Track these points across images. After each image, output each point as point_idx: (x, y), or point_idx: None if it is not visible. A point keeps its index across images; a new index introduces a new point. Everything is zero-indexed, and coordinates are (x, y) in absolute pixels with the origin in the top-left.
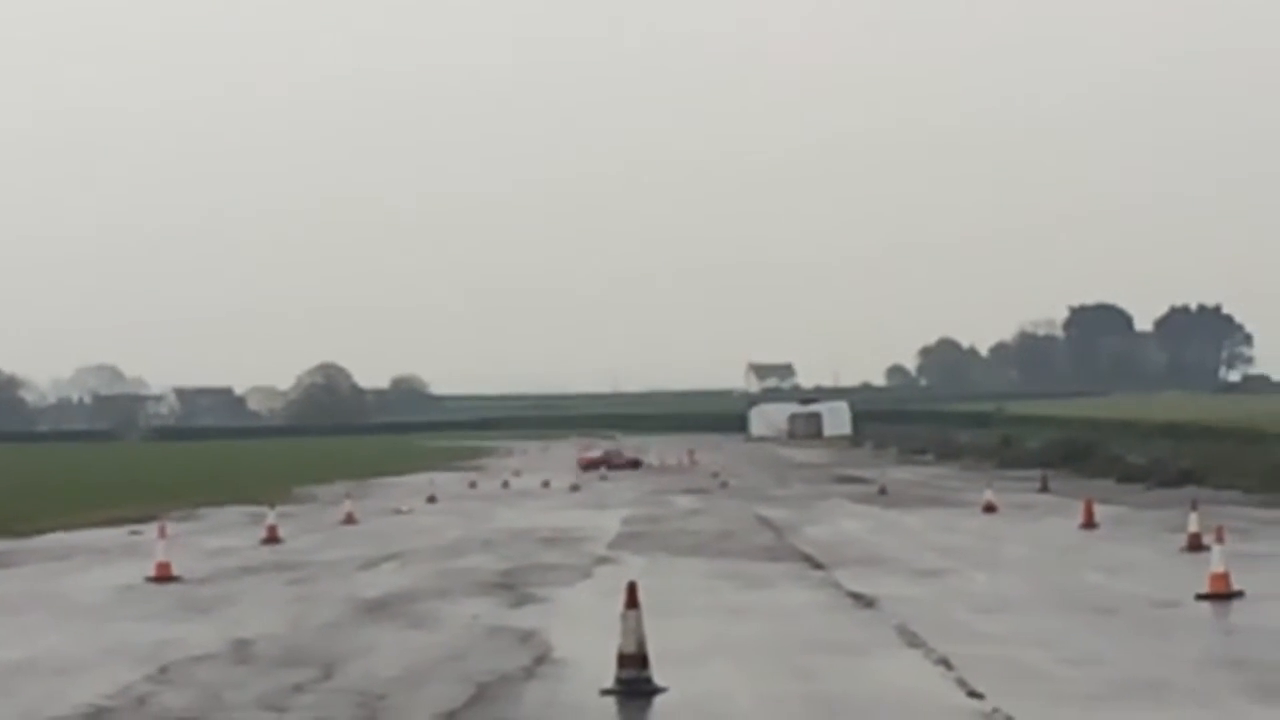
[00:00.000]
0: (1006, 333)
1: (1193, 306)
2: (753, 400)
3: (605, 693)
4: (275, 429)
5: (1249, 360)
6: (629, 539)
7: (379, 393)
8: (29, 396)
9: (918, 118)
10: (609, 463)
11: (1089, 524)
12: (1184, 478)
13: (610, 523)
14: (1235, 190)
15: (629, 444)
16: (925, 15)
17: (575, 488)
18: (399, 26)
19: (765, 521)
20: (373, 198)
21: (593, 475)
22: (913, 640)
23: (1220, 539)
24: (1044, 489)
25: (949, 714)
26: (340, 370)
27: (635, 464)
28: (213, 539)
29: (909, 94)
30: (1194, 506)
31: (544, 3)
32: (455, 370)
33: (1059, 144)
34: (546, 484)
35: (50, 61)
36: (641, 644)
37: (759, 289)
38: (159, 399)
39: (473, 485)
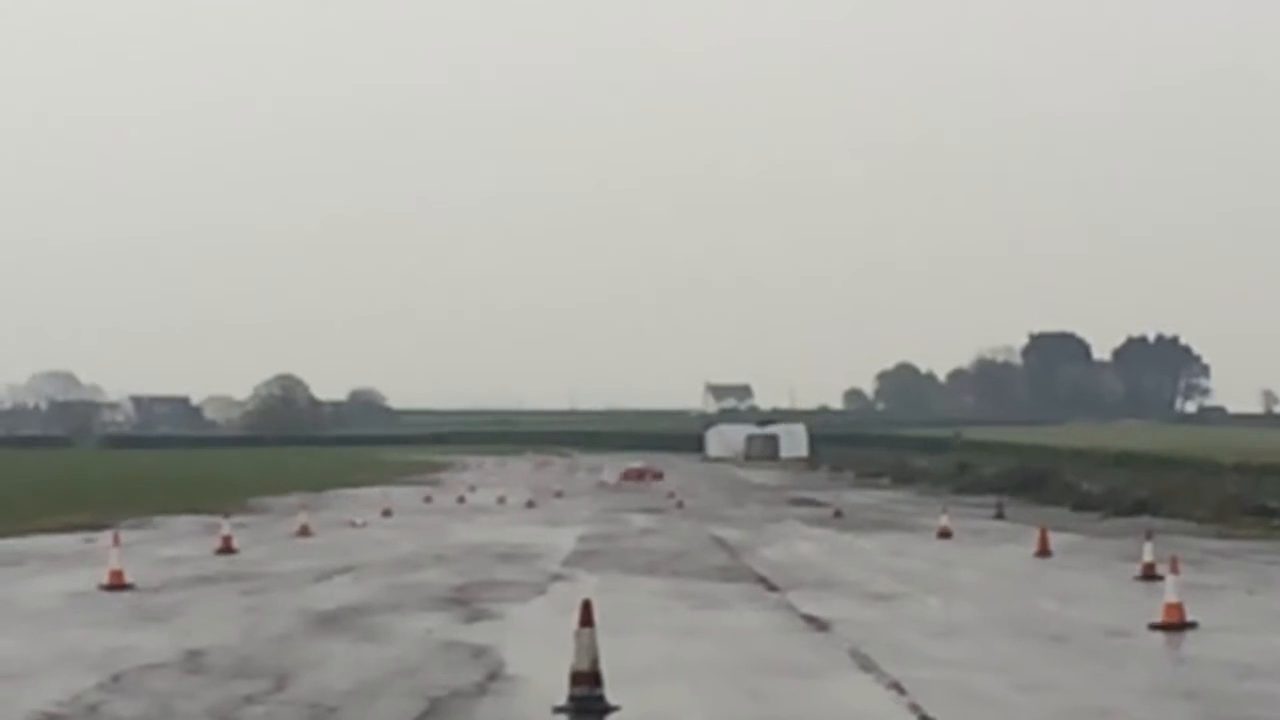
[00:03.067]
0: (965, 359)
1: (1150, 337)
2: (710, 421)
3: (558, 710)
4: (231, 439)
5: (1205, 392)
6: (584, 557)
7: (336, 405)
8: None
9: (879, 144)
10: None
11: (1043, 551)
12: (1139, 507)
13: (565, 540)
14: (1195, 222)
15: (585, 462)
16: (885, 42)
17: (531, 504)
18: (363, 42)
19: (720, 542)
20: (333, 211)
21: (558, 491)
22: (866, 664)
23: (1175, 569)
24: (999, 515)
25: None
26: (298, 382)
27: (659, 476)
28: (167, 548)
29: (870, 119)
30: (1149, 536)
31: (519, 23)
32: (413, 384)
33: (1021, 172)
34: (502, 500)
35: (12, 67)
36: (595, 662)
37: (718, 310)
38: (115, 406)
39: (428, 500)
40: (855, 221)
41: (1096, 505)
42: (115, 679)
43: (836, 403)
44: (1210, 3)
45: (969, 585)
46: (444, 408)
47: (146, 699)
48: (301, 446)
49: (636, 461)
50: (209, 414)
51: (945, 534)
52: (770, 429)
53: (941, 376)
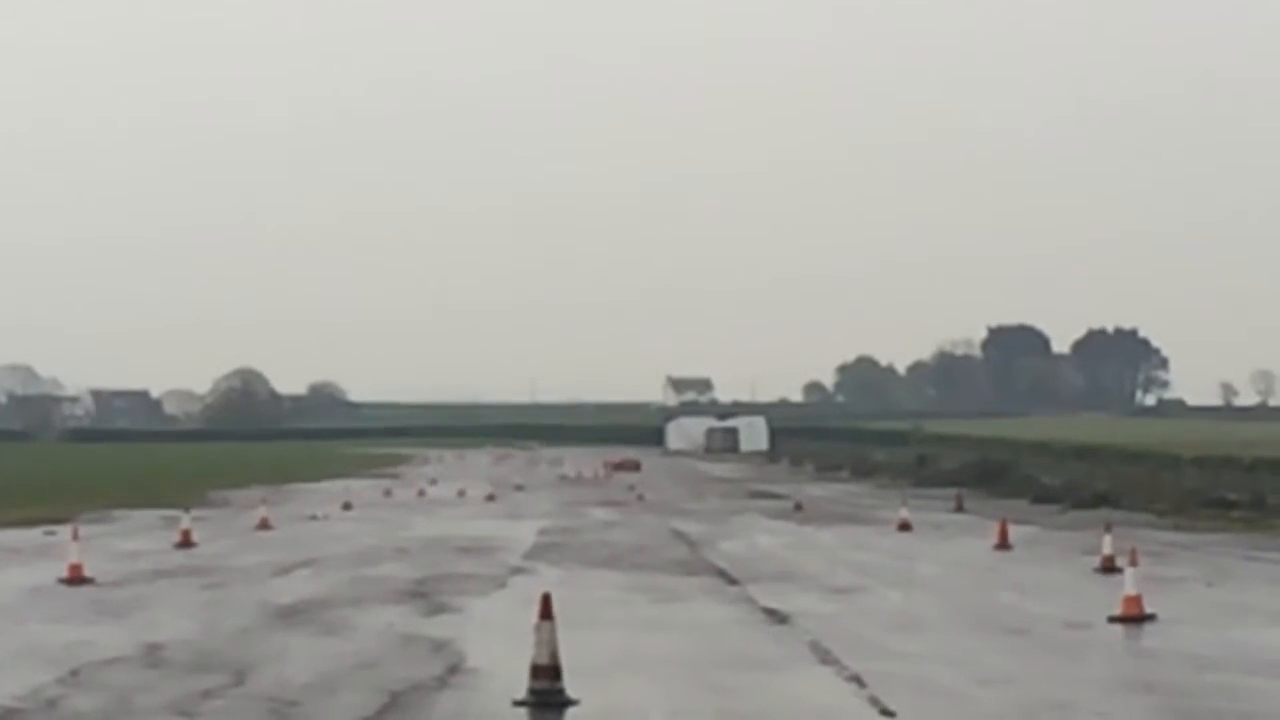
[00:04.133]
0: (925, 352)
1: (1110, 329)
2: (670, 414)
3: (518, 704)
4: (191, 433)
5: (1164, 384)
6: (544, 550)
7: (296, 398)
8: None
9: (840, 141)
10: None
11: (1003, 544)
12: (1098, 500)
13: (526, 533)
14: (1153, 215)
15: (546, 455)
16: (850, 42)
17: (491, 497)
18: (325, 44)
19: (680, 535)
20: (293, 205)
21: (519, 484)
22: (825, 657)
23: (1134, 562)
24: (959, 508)
25: None
26: (257, 375)
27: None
28: (126, 542)
29: (831, 118)
30: (1108, 529)
31: (492, 26)
32: (373, 377)
33: (981, 166)
34: (462, 493)
35: None
36: (555, 655)
37: (679, 303)
38: (75, 400)
39: (388, 493)
40: (815, 216)
41: (1056, 498)
42: (74, 673)
43: (796, 396)
44: (1169, 8)
45: (929, 578)
46: (404, 401)
47: (106, 693)
48: (261, 440)
49: (619, 455)
50: (169, 408)
51: (905, 527)
52: (730, 422)
53: (901, 369)
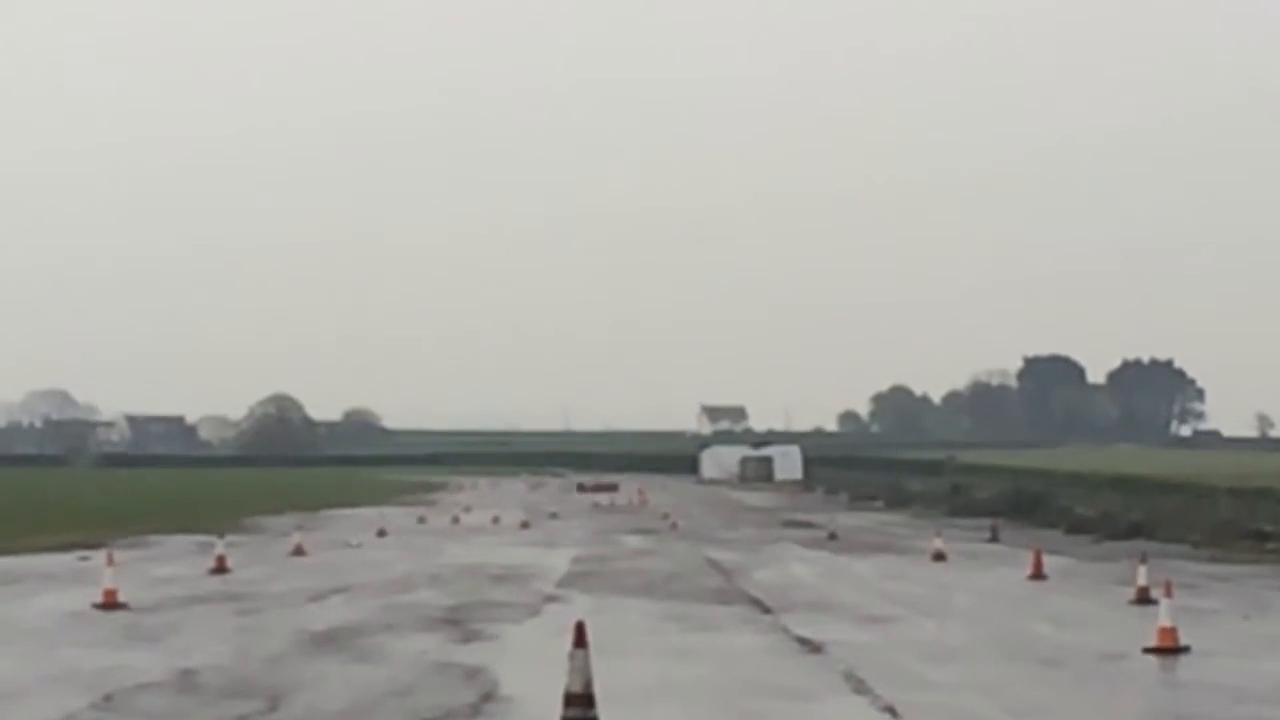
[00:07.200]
0: (960, 381)
1: (1145, 360)
2: (704, 442)
3: None
4: (226, 459)
5: (1200, 415)
6: (578, 578)
7: (331, 425)
8: None
9: (873, 168)
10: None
11: (1037, 574)
12: (1133, 531)
13: (559, 561)
14: (1189, 246)
15: (579, 483)
16: (877, 70)
17: (525, 525)
18: (359, 61)
19: (714, 564)
20: (327, 231)
21: (553, 512)
22: (859, 687)
23: (1169, 593)
24: (993, 538)
25: None
26: (292, 401)
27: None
28: (161, 567)
29: (864, 144)
30: (1143, 560)
31: (514, 45)
32: (408, 404)
33: (1015, 197)
34: (496, 520)
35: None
36: (588, 683)
37: (714, 331)
38: (110, 425)
39: (422, 520)
40: (851, 244)
41: (1091, 528)
42: (108, 699)
43: (831, 425)
44: (1198, 31)
45: (963, 608)
46: (439, 428)
47: (139, 719)
48: (296, 467)
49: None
50: (204, 434)
51: (939, 557)
52: (765, 451)
53: (936, 399)
